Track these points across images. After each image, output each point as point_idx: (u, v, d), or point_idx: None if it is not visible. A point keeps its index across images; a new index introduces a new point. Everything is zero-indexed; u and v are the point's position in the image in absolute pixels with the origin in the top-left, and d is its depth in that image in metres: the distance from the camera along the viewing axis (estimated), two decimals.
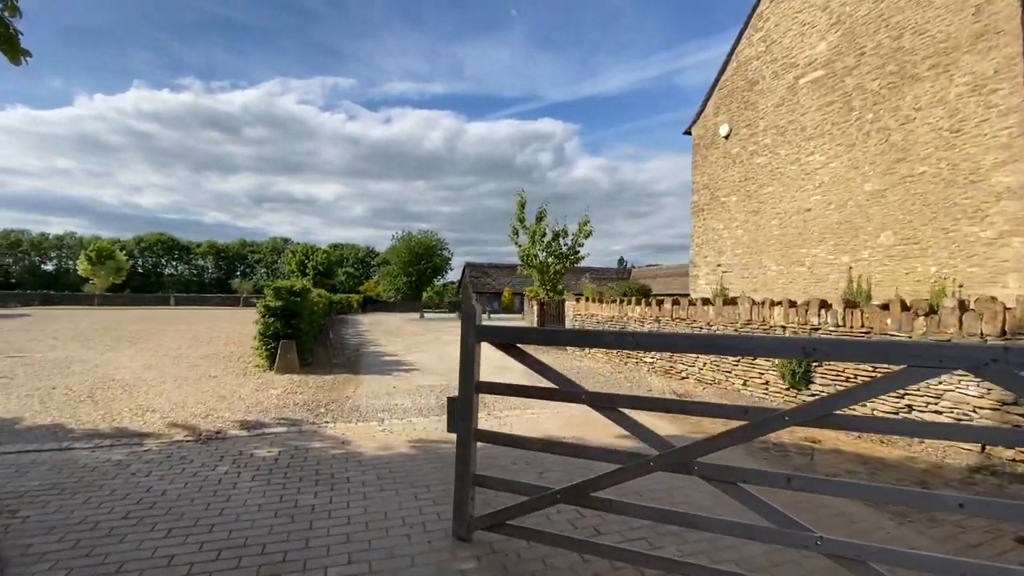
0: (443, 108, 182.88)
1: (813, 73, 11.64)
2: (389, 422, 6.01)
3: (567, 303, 13.31)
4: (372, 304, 55.72)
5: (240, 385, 8.06)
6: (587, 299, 12.35)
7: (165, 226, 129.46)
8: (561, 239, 16.96)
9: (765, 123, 12.83)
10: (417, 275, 56.36)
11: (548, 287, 17.03)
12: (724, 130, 14.02)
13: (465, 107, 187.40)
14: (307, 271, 57.05)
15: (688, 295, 13.85)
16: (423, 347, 14.52)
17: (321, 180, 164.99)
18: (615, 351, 11.17)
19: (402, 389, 8.02)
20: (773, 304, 7.47)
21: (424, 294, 58.79)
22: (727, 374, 8.17)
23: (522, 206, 17.07)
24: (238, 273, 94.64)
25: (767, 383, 7.51)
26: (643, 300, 10.60)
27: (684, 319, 9.03)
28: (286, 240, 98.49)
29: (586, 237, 16.76)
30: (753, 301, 7.80)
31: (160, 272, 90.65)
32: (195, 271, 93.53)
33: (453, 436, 5.70)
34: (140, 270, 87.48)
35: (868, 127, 10.45)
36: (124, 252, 66.11)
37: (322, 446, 5.04)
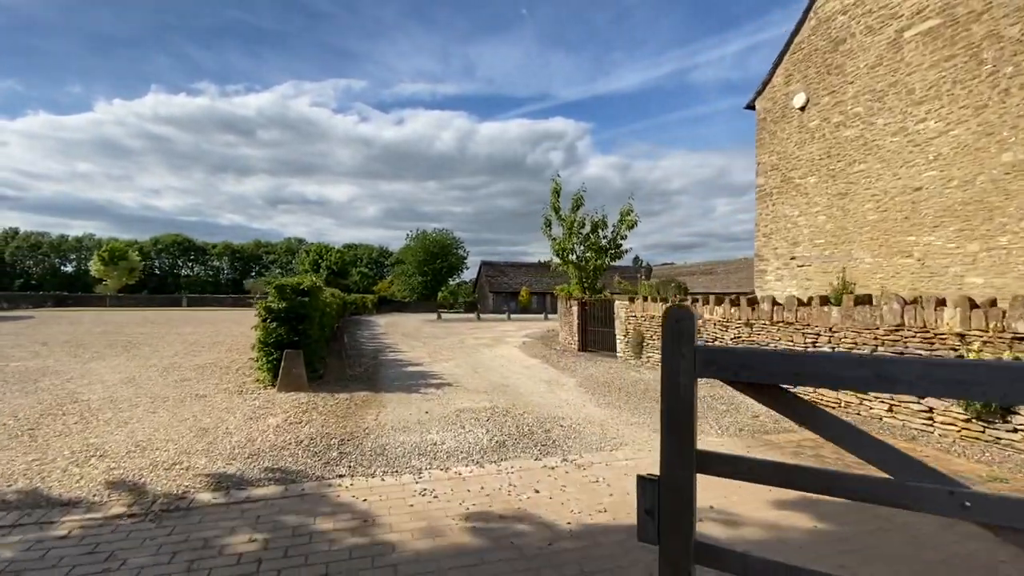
0: (455, 108, 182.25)
1: (923, 23, 9.58)
2: (428, 475, 4.19)
3: (617, 304, 11.44)
4: (387, 304, 54.27)
5: (231, 410, 6.32)
6: (644, 298, 10.46)
7: (182, 228, 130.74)
8: (600, 231, 15.06)
9: (856, 88, 10.79)
10: (432, 274, 54.73)
11: (586, 285, 15.14)
12: (799, 100, 11.99)
13: (477, 107, 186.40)
14: (321, 270, 55.89)
15: (718, 294, 11.90)
16: (449, 353, 12.73)
17: (334, 181, 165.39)
18: None
19: (437, 415, 6.20)
20: (940, 303, 5.50)
21: (439, 294, 57.38)
22: (860, 395, 6.22)
23: (557, 193, 15.17)
24: (253, 274, 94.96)
25: (931, 411, 5.54)
26: (723, 299, 8.68)
27: (792, 323, 7.09)
28: (300, 241, 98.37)
29: (630, 228, 14.84)
30: (905, 300, 5.84)
31: (177, 273, 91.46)
32: (211, 272, 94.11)
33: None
34: (157, 271, 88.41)
35: (1006, 83, 8.39)
36: (139, 253, 65.66)
37: (333, 528, 3.23)
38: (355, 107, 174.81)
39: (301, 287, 8.12)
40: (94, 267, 55.69)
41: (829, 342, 6.61)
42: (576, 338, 13.39)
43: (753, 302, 7.93)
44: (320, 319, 9.42)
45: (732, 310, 8.15)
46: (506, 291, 52.16)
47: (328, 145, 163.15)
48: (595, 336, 12.81)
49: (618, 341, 11.44)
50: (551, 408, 6.67)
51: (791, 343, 7.12)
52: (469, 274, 62.64)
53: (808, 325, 6.88)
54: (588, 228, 15.01)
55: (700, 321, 8.92)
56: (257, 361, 8.12)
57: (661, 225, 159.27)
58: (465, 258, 58.34)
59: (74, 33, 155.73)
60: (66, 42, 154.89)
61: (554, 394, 7.66)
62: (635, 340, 10.65)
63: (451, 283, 61.08)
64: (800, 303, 7.09)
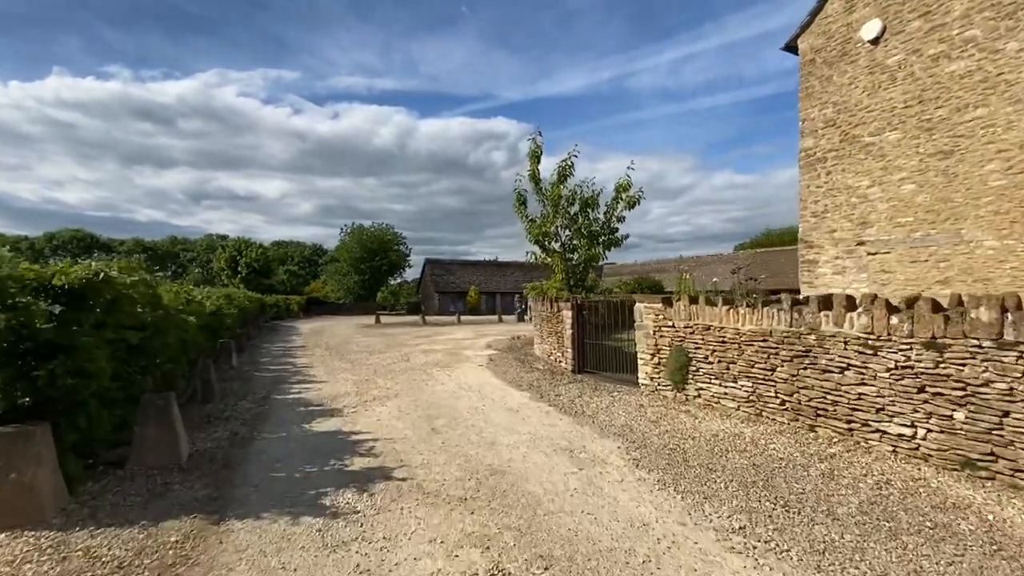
0: (394, 104, 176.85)
1: None
2: None
3: (641, 307, 7.76)
4: (318, 306, 48.30)
5: None
6: (692, 299, 6.87)
7: (91, 224, 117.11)
8: (591, 211, 11.42)
9: (967, 4, 7.75)
10: (370, 273, 49.26)
11: (573, 282, 11.46)
12: (872, 30, 8.88)
13: (418, 104, 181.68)
14: (240, 268, 49.03)
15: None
16: (387, 383, 8.51)
17: (264, 176, 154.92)
18: (782, 406, 5.71)
19: None
20: None
21: (378, 294, 51.97)
22: None
23: (536, 158, 11.29)
24: (169, 273, 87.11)
25: None
26: (854, 303, 5.22)
27: None
28: (223, 237, 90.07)
29: (630, 207, 11.30)
30: None
31: None
32: None
33: None
34: None
35: None
36: (31, 250, 55.06)
37: None
38: (287, 99, 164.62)
39: (52, 280, 3.74)
40: None
41: None
42: (569, 355, 9.61)
43: (940, 311, 4.45)
44: (138, 348, 4.98)
45: (893, 320, 4.66)
46: (453, 291, 47.84)
47: (257, 137, 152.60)
48: (599, 352, 9.10)
49: (642, 362, 7.77)
50: (634, 567, 2.79)
51: None
52: (412, 273, 57.64)
53: None
54: (577, 206, 11.29)
55: (812, 337, 5.40)
56: None
57: None
58: (407, 255, 53.14)
59: None
60: None
61: (602, 494, 3.79)
62: (675, 362, 7.01)
63: (392, 283, 55.68)
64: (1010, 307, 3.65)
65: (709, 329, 6.64)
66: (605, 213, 11.56)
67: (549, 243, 11.44)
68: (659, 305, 7.49)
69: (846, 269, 9.33)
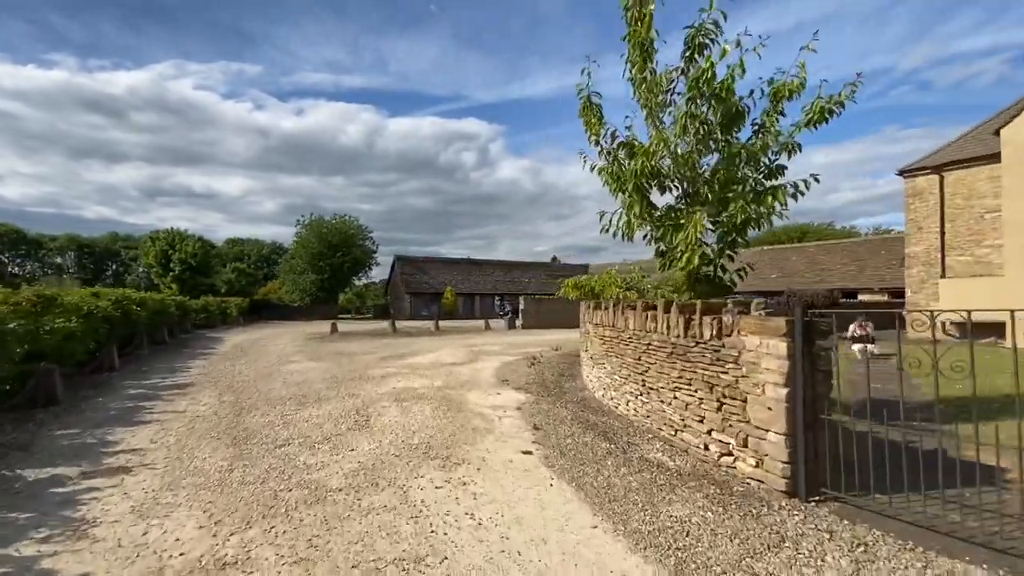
0: (362, 102, 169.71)
1: None
2: None
3: None
4: (267, 310, 40.94)
5: None
6: None
7: (35, 221, 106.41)
8: (737, 127, 5.70)
9: None
10: (330, 271, 42.06)
11: (697, 271, 5.70)
12: None
13: (387, 102, 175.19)
14: (172, 266, 41.33)
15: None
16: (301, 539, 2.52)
17: (224, 173, 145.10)
18: None
19: None
20: None
21: (341, 296, 45.07)
22: None
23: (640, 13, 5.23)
24: (109, 272, 77.94)
25: None
26: None
27: None
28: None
29: (818, 122, 5.57)
30: None
31: (1, 272, 74.23)
32: (50, 270, 78.00)
33: None
34: None
35: None
36: None
37: None
38: (249, 93, 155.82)
39: None
40: None
41: None
42: (780, 447, 3.78)
43: None
44: None
45: None
46: (427, 292, 41.51)
47: (217, 133, 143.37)
48: (862, 447, 3.32)
49: None
50: None
51: None
52: (380, 273, 50.76)
53: None
54: (718, 118, 5.47)
55: None
56: None
57: (571, 228, 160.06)
58: (374, 252, 45.92)
59: None
60: None
61: None
62: None
63: (357, 283, 48.78)
64: None
65: None
66: (752, 139, 5.82)
67: (659, 187, 5.59)
68: None
69: None
